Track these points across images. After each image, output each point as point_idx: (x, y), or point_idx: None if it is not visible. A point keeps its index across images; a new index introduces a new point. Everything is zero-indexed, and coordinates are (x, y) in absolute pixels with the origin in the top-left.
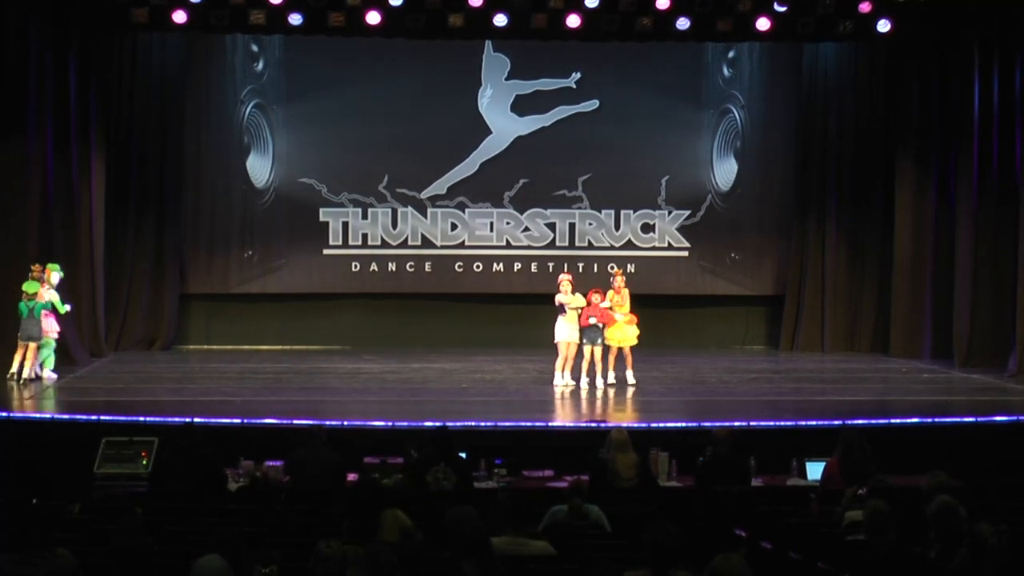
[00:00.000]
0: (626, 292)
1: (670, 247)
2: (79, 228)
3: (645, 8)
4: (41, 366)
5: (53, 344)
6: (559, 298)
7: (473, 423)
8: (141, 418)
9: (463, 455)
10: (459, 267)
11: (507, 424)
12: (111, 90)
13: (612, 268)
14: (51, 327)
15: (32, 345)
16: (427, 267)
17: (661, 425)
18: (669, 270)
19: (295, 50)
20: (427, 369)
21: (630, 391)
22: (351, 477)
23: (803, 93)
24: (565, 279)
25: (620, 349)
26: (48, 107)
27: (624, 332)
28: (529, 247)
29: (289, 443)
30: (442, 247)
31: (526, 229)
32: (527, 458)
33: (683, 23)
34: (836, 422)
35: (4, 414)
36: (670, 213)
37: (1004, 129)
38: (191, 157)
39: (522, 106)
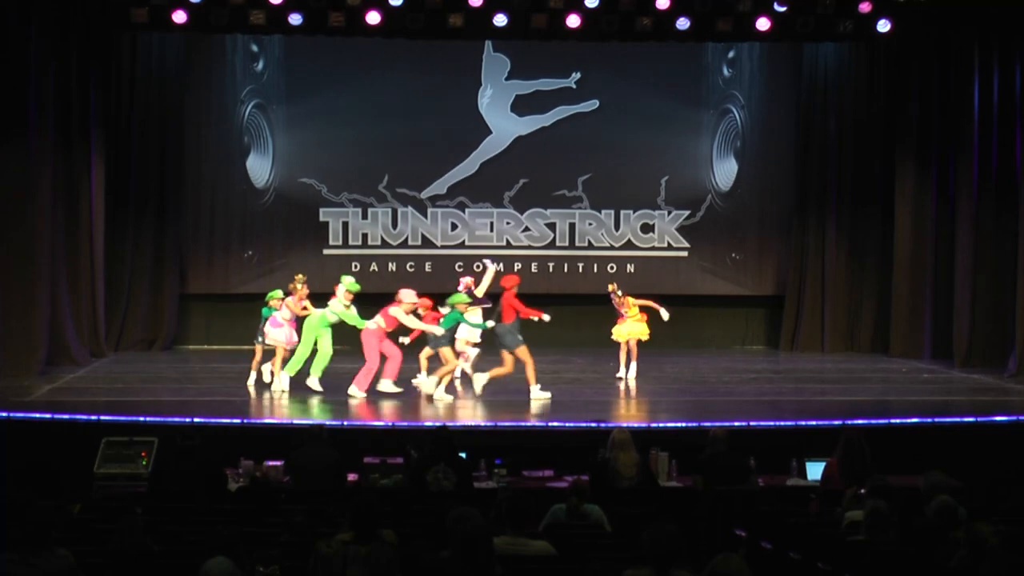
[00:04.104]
0: (629, 299)
1: (670, 247)
2: (79, 228)
3: (645, 8)
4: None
5: (295, 353)
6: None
7: (473, 423)
8: (141, 418)
9: (463, 455)
10: (459, 267)
11: (507, 424)
12: (111, 90)
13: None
14: (277, 336)
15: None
16: (427, 267)
17: (661, 425)
18: (669, 270)
19: (295, 50)
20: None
21: (630, 388)
22: (351, 477)
23: (803, 93)
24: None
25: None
26: (49, 107)
27: (632, 328)
28: (529, 247)
29: (289, 443)
30: (442, 247)
31: (526, 229)
32: (527, 458)
33: (683, 23)
34: (836, 422)
35: (4, 414)
36: (670, 213)
37: (1004, 129)
38: (191, 157)
39: (522, 106)
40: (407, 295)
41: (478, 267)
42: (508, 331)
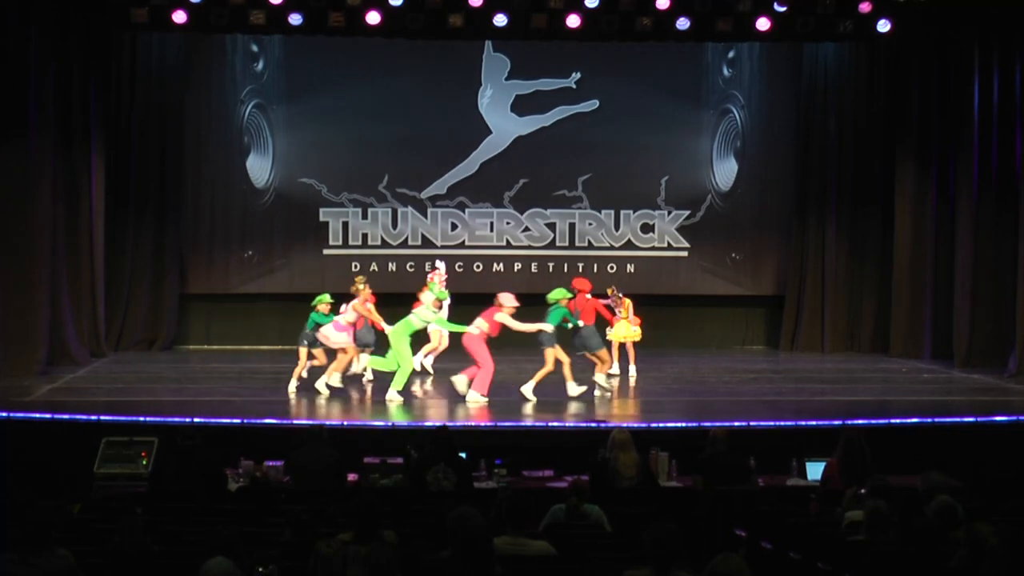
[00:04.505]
0: (627, 302)
1: (670, 247)
2: (79, 228)
3: (645, 8)
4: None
5: (398, 373)
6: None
7: (473, 423)
8: (141, 418)
9: (463, 455)
10: (459, 267)
11: (507, 424)
12: (111, 90)
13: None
14: (341, 339)
15: (305, 351)
16: (427, 267)
17: (661, 425)
18: (669, 270)
19: (295, 50)
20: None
21: (630, 388)
22: (351, 477)
23: (803, 93)
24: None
25: (623, 344)
26: (49, 107)
27: (626, 329)
28: (529, 247)
29: (289, 443)
30: (442, 247)
31: (526, 229)
32: (527, 458)
33: (683, 23)
34: (836, 422)
35: (4, 414)
36: (670, 213)
37: (1004, 129)
38: (191, 157)
39: (522, 106)
40: (507, 299)
41: (478, 267)
42: (592, 333)
